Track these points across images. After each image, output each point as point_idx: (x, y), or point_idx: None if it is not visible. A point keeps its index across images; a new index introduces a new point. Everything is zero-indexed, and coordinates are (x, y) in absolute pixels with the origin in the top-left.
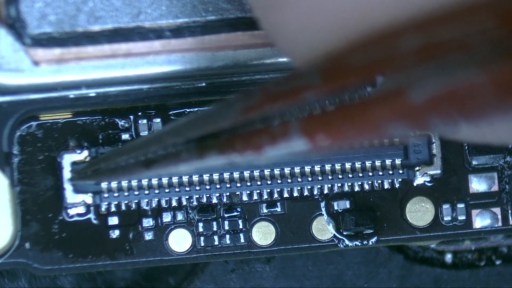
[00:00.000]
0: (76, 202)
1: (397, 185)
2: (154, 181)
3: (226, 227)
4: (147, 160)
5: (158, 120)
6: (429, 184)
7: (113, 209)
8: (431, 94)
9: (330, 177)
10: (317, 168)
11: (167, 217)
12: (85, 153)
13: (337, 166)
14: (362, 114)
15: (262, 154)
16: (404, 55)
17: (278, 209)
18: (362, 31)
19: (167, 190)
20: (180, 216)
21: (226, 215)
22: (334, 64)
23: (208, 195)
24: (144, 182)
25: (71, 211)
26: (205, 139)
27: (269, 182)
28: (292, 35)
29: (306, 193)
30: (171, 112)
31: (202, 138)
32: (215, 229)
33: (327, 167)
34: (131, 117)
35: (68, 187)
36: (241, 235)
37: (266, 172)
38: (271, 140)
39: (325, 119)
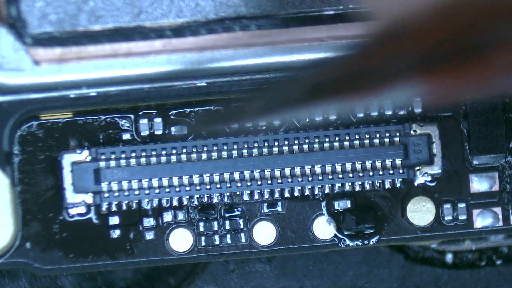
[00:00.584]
0: (77, 202)
1: (398, 185)
2: (155, 181)
3: (227, 227)
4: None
5: (159, 119)
6: (430, 184)
7: (113, 208)
8: None
9: (330, 177)
10: (317, 168)
11: (167, 217)
12: (86, 153)
13: (338, 166)
14: (482, 60)
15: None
16: None
17: (279, 209)
18: None
19: (167, 190)
20: (181, 216)
21: (227, 215)
22: (447, 12)
23: (209, 195)
24: (145, 182)
25: (72, 211)
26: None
27: (269, 182)
28: None
29: (307, 192)
30: (172, 112)
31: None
32: (216, 228)
33: (328, 167)
34: (132, 116)
35: (68, 187)
36: (242, 235)
37: (267, 172)
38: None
39: (443, 64)
